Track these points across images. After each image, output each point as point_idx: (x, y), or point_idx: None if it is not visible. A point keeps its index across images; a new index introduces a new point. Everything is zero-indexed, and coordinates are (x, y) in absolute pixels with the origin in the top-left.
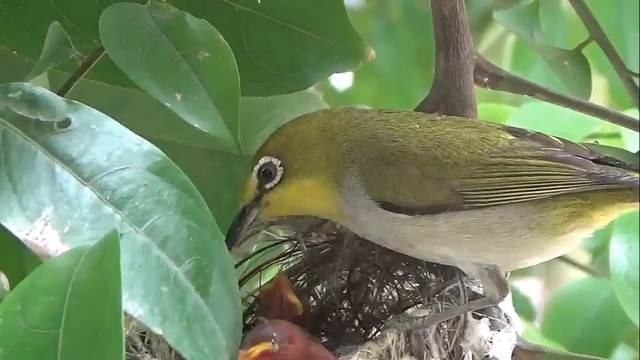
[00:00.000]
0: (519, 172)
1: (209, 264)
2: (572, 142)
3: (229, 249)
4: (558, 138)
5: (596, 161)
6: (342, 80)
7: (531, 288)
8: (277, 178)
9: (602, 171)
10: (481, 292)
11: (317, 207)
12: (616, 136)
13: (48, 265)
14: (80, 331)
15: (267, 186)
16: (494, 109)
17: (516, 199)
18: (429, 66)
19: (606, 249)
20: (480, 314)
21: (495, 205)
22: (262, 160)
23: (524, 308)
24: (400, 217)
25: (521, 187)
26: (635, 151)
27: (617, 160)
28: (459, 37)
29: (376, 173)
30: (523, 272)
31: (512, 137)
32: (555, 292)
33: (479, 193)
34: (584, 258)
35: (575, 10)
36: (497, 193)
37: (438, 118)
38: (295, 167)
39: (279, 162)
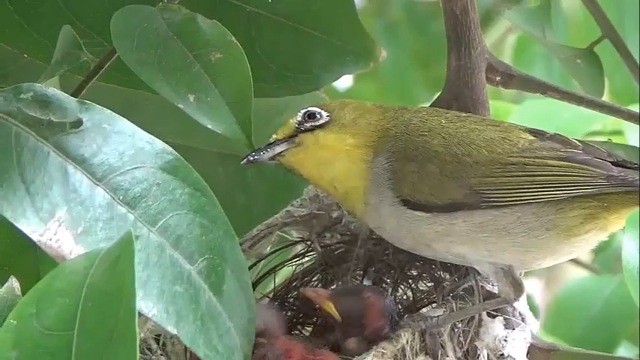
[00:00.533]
0: (538, 173)
1: (222, 262)
2: (590, 144)
3: (244, 162)
4: (577, 140)
5: (614, 163)
6: (342, 80)
7: (532, 287)
8: (322, 121)
9: (621, 174)
10: (495, 291)
11: (344, 173)
12: (618, 133)
13: (63, 267)
14: (94, 333)
15: (308, 125)
16: (495, 107)
17: (534, 199)
18: (429, 66)
19: (609, 247)
20: (495, 313)
21: (513, 205)
22: (311, 108)
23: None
24: (417, 214)
25: (539, 188)
26: (636, 145)
27: (635, 163)
28: (471, 35)
29: (398, 168)
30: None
31: (533, 137)
32: (556, 290)
33: (497, 192)
34: (585, 256)
35: (588, 9)
36: (514, 193)
37: (464, 115)
38: (342, 122)
39: (328, 114)
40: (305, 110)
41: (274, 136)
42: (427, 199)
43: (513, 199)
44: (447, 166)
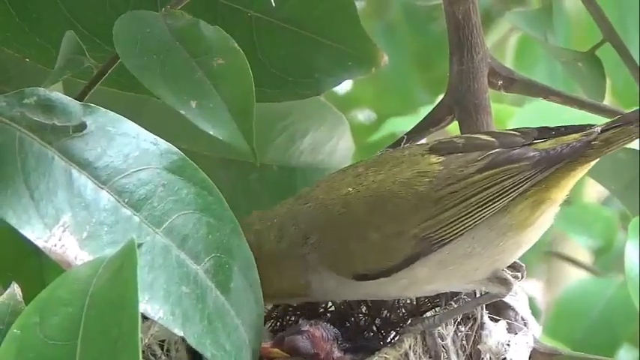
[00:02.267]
0: (470, 194)
1: (229, 260)
2: (502, 132)
3: None
4: (488, 134)
5: (534, 142)
6: (342, 83)
7: (532, 289)
8: None
9: (543, 154)
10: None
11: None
12: None
13: (66, 276)
14: (98, 342)
15: None
16: (497, 110)
17: (480, 219)
18: (429, 68)
19: (610, 249)
20: (498, 317)
21: (461, 234)
22: None
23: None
24: (379, 281)
25: (479, 207)
26: (637, 148)
27: (552, 130)
28: (473, 40)
29: (339, 254)
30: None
31: (442, 158)
32: (557, 292)
33: (442, 230)
34: (586, 258)
35: (589, 11)
36: (458, 223)
37: (361, 169)
38: None
39: None
40: None
41: None
42: (382, 265)
43: (459, 229)
44: (385, 228)
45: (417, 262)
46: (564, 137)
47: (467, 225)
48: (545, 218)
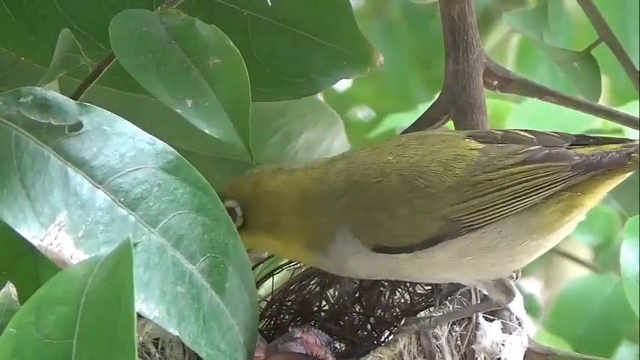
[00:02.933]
0: (507, 184)
1: (224, 260)
2: (542, 132)
3: None
4: (527, 131)
5: (572, 145)
6: (341, 81)
7: (532, 286)
8: (239, 224)
9: (584, 159)
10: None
11: (284, 255)
12: (618, 131)
13: (62, 275)
14: (94, 341)
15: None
16: (496, 105)
17: (510, 211)
18: (428, 66)
19: (610, 246)
20: (492, 317)
21: (491, 223)
22: (227, 203)
23: (528, 305)
24: (398, 256)
25: (513, 199)
26: None
27: (590, 138)
28: (469, 40)
29: (366, 222)
30: (523, 272)
31: (482, 145)
32: (557, 289)
33: (473, 215)
34: (586, 255)
35: (584, 11)
36: (490, 211)
37: (404, 140)
38: (258, 225)
39: (242, 212)
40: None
41: None
42: (405, 240)
43: (490, 217)
44: (415, 203)
45: (440, 244)
46: (603, 146)
47: (498, 214)
48: (571, 225)
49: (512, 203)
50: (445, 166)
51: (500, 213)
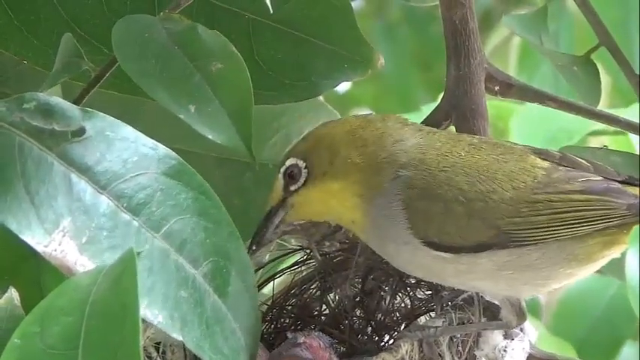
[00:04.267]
0: (564, 209)
1: (227, 264)
2: (598, 164)
3: (254, 250)
4: (584, 159)
5: (624, 183)
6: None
7: None
8: (302, 181)
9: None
10: (495, 302)
11: (340, 213)
12: (620, 132)
13: (66, 285)
14: (98, 351)
15: (292, 188)
16: (499, 107)
17: (560, 236)
18: (428, 68)
19: None
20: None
21: (538, 242)
22: (288, 162)
23: (530, 306)
24: (442, 255)
25: (567, 225)
26: (636, 152)
27: (637, 179)
28: (470, 45)
29: (422, 208)
30: None
31: (547, 164)
32: (559, 290)
33: (525, 231)
34: None
35: (584, 15)
36: (542, 231)
37: (476, 141)
38: (320, 170)
39: (304, 164)
40: (284, 170)
41: (268, 204)
42: (455, 240)
43: (541, 236)
44: (473, 206)
45: (486, 253)
46: None
47: (550, 235)
48: (607, 259)
49: (566, 228)
50: (510, 178)
51: (551, 235)
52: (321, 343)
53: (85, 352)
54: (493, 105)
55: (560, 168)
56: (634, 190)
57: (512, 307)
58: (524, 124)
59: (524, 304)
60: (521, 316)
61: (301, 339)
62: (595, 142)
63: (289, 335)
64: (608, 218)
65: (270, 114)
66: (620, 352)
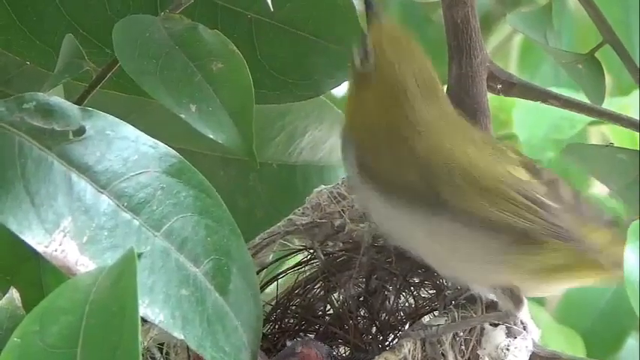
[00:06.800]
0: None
1: (228, 261)
2: (584, 205)
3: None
4: (571, 189)
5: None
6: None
7: None
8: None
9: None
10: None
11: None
12: None
13: (66, 285)
14: (98, 350)
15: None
16: (500, 100)
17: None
18: None
19: None
20: (496, 321)
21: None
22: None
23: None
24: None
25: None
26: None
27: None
28: (472, 44)
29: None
30: None
31: (527, 176)
32: None
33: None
34: None
35: (588, 13)
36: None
37: (486, 138)
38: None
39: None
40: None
41: None
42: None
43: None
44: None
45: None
46: None
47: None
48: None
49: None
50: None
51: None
52: (318, 352)
53: (85, 351)
54: (494, 98)
55: (545, 191)
56: (597, 235)
57: (504, 294)
58: (526, 114)
59: (517, 289)
60: (517, 301)
61: (299, 349)
62: (597, 131)
63: (288, 343)
64: (526, 221)
65: (274, 114)
66: (625, 343)
